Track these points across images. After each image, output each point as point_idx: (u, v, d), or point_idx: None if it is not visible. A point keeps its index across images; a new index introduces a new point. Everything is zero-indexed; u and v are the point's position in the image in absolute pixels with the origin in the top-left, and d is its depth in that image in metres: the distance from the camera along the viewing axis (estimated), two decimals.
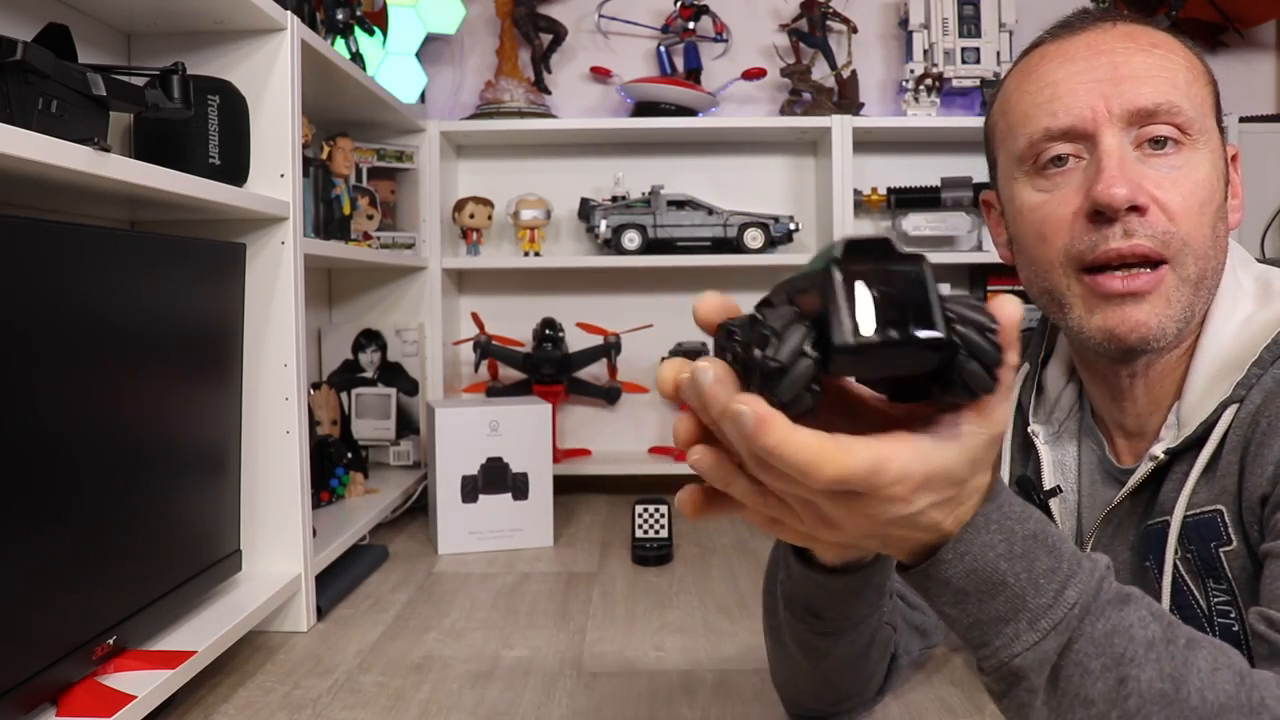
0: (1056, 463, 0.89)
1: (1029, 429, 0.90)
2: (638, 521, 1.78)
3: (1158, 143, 0.74)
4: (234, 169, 1.33)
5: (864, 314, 0.43)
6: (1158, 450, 0.77)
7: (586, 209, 2.34)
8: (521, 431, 1.88)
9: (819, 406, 0.45)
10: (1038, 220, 0.79)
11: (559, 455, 2.30)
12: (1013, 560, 0.52)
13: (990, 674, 0.55)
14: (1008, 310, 0.46)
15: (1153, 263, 0.74)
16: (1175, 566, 0.76)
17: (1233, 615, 0.74)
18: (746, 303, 0.49)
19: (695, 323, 0.50)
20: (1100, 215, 0.74)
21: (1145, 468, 0.78)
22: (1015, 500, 0.54)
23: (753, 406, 0.43)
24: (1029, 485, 0.89)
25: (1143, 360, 0.79)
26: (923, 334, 0.43)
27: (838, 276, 0.43)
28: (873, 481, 0.46)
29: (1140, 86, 0.74)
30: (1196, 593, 0.76)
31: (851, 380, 0.54)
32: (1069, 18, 0.82)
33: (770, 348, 0.43)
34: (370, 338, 2.27)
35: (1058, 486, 0.87)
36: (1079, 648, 0.53)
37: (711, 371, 0.45)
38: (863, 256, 0.44)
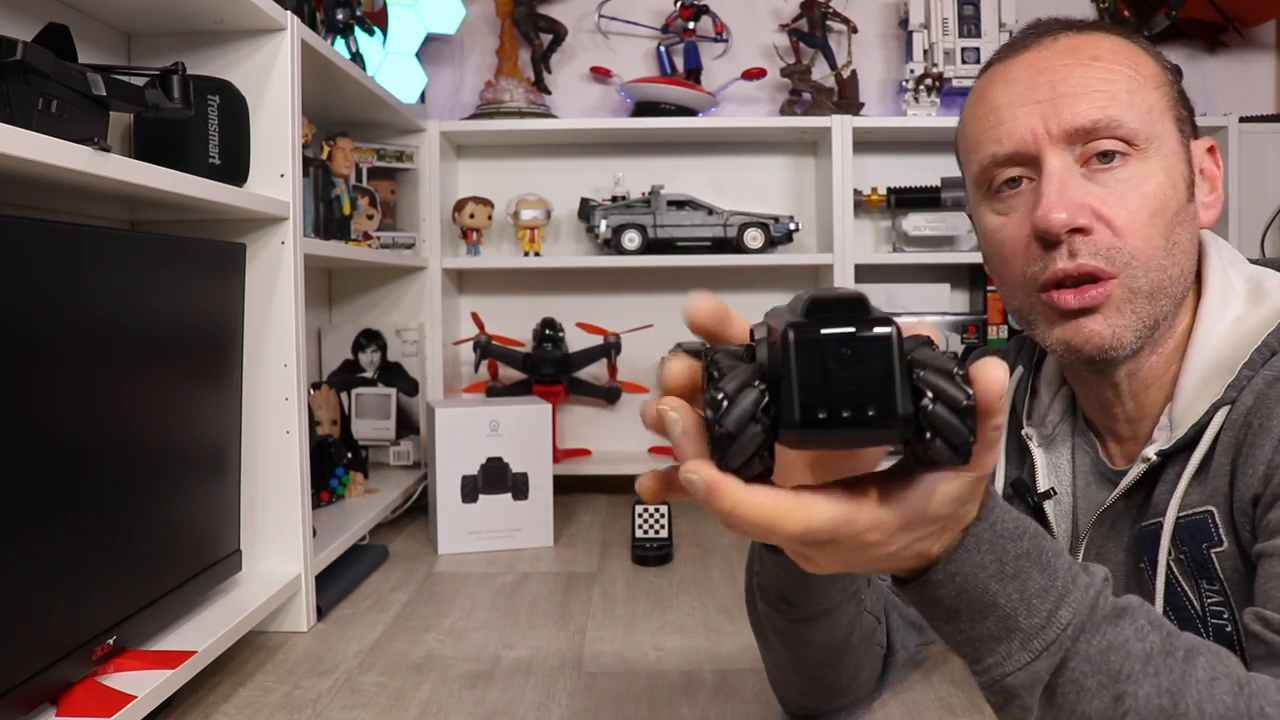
0: (1050, 465, 0.89)
1: (1023, 432, 0.90)
2: (638, 521, 1.78)
3: (1105, 156, 0.75)
4: (234, 169, 1.33)
5: (816, 391, 0.40)
6: (1149, 452, 0.77)
7: (586, 209, 2.34)
8: (521, 431, 1.88)
9: (772, 467, 0.43)
10: (998, 244, 0.80)
11: (559, 455, 2.30)
12: (1004, 581, 0.52)
13: (985, 689, 0.56)
14: (989, 377, 0.43)
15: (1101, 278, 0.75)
16: (1169, 567, 0.76)
17: (1225, 616, 0.74)
18: (746, 303, 0.49)
19: (687, 327, 0.49)
20: (1045, 239, 0.74)
21: (1137, 469, 0.79)
22: (1008, 516, 0.53)
23: (703, 475, 0.43)
24: (1023, 488, 0.89)
25: (1122, 370, 0.80)
26: (878, 415, 0.40)
27: (793, 344, 0.40)
28: (842, 532, 0.46)
29: (1077, 104, 0.74)
30: (1190, 593, 0.76)
31: None
32: (1017, 35, 0.82)
33: (720, 412, 0.42)
34: (370, 338, 2.27)
35: (1052, 489, 0.87)
36: (1074, 666, 0.53)
37: (681, 424, 0.45)
38: (827, 319, 0.41)
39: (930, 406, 0.41)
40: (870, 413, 0.40)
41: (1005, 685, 0.54)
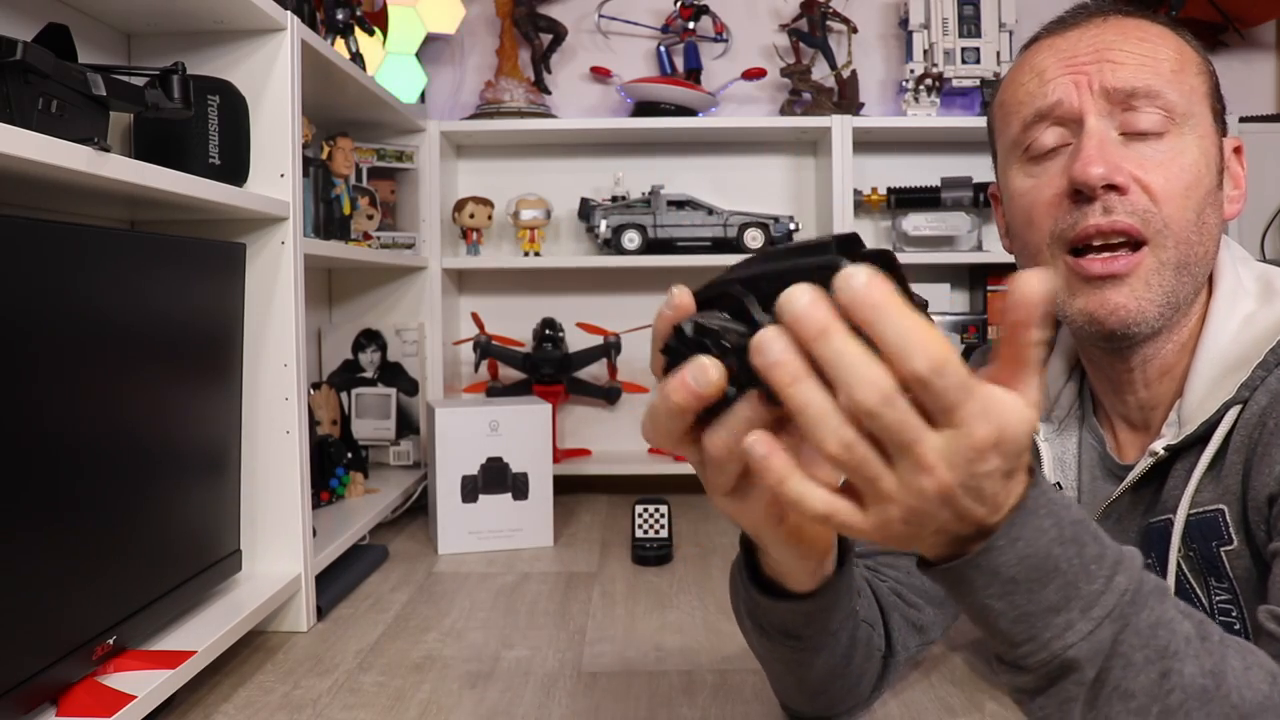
0: (1056, 459, 0.89)
1: None
2: (638, 521, 1.78)
3: (1143, 134, 0.76)
4: (234, 169, 1.33)
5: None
6: (1158, 446, 0.77)
7: (586, 209, 2.34)
8: (521, 431, 1.88)
9: None
10: (1027, 204, 0.80)
11: (559, 455, 2.30)
12: (1064, 545, 0.50)
13: (1034, 670, 0.52)
14: (1026, 285, 0.43)
15: (1134, 242, 0.75)
16: (1178, 564, 0.76)
17: (1234, 614, 0.74)
18: None
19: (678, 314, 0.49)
20: (1080, 195, 0.75)
21: (1145, 463, 0.79)
22: (1053, 488, 0.53)
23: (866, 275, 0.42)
24: None
25: (1138, 355, 0.80)
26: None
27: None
28: (966, 395, 0.43)
29: (1122, 70, 0.76)
30: (1198, 591, 0.76)
31: None
32: (1063, 14, 0.84)
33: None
34: (370, 338, 2.27)
35: (1058, 483, 0.87)
36: (1124, 639, 0.51)
37: (808, 296, 0.43)
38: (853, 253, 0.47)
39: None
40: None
41: (1066, 659, 0.51)
